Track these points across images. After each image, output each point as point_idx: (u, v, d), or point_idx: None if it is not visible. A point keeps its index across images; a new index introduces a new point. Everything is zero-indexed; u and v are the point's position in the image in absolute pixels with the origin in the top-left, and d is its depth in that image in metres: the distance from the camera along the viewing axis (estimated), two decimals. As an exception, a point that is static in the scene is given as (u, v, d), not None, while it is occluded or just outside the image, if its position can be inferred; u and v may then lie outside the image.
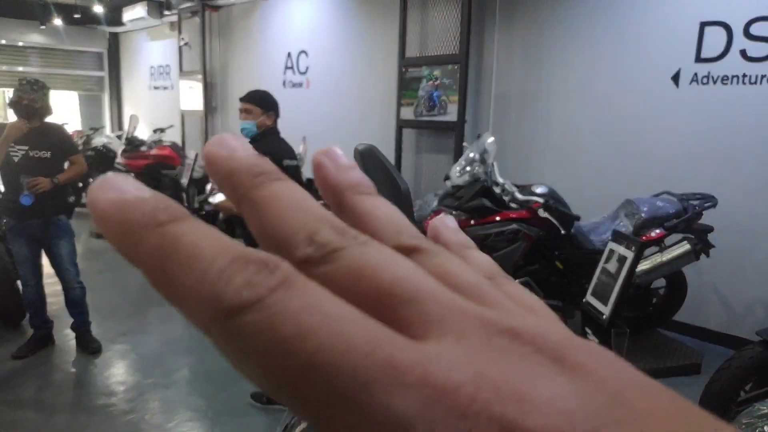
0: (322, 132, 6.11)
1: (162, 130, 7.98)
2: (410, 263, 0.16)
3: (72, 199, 3.79)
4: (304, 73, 7.31)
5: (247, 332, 0.14)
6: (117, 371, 3.63)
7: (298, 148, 4.76)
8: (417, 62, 5.65)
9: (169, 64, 9.68)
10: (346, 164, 0.21)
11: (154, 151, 7.56)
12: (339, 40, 6.82)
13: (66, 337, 3.95)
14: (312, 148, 5.05)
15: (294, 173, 3.18)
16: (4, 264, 3.95)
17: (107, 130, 10.85)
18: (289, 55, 7.41)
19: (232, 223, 4.60)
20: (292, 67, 7.44)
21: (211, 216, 4.92)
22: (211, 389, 3.41)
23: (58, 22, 8.83)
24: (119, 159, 7.46)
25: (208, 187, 5.72)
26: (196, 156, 6.19)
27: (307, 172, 4.98)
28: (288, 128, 7.38)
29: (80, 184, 8.36)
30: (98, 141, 8.48)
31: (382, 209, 0.20)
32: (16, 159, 3.41)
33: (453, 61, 5.31)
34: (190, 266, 0.15)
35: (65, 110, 10.25)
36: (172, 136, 8.25)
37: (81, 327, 3.85)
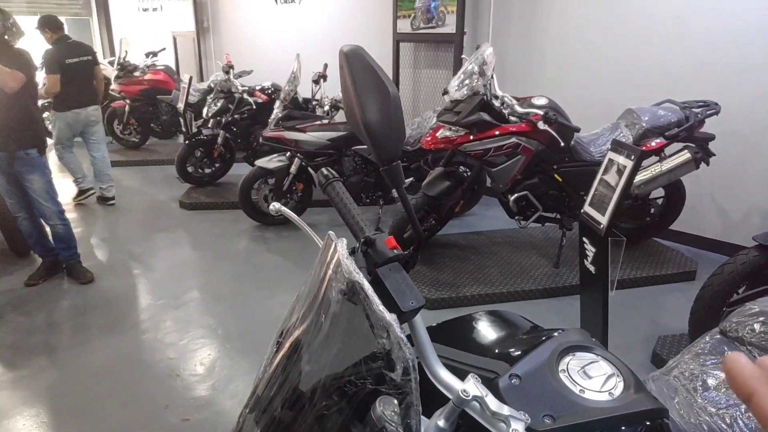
0: (316, 49, 5.91)
1: (154, 54, 7.75)
2: None
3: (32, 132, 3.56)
4: (296, -12, 6.99)
5: None
6: (127, 295, 3.75)
7: (292, 66, 4.64)
8: (413, -29, 5.38)
9: (156, -17, 9.28)
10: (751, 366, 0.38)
11: (148, 76, 7.38)
12: (331, -51, 6.46)
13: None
14: (306, 66, 4.91)
15: None
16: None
17: (99, 56, 10.53)
18: (280, -31, 7.07)
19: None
20: (283, -18, 7.11)
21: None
22: (219, 309, 3.53)
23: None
24: (113, 86, 7.29)
25: (205, 111, 5.62)
26: (191, 79, 6.03)
27: (302, 92, 4.87)
28: (281, 46, 7.18)
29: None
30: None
31: None
32: None
33: (451, -31, 5.05)
34: None
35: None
36: (165, 60, 8.03)
37: (69, 261, 3.92)
